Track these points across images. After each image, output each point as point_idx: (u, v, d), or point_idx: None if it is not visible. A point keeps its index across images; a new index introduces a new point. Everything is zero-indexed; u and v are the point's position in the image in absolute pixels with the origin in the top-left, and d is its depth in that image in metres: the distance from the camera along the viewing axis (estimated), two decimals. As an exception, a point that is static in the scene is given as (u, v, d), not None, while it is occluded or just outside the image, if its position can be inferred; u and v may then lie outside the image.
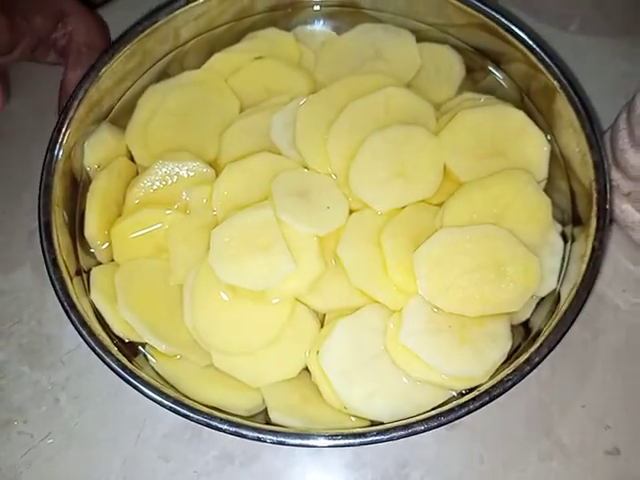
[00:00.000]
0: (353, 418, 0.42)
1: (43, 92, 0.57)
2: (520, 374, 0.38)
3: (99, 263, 0.47)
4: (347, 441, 0.37)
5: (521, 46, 0.48)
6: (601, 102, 0.56)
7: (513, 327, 0.44)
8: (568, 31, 0.62)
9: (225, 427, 0.37)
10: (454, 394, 0.42)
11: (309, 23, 0.55)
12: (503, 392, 0.38)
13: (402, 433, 0.37)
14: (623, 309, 0.51)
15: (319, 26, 0.55)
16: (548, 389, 0.49)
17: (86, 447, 0.48)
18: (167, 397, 0.38)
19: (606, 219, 0.42)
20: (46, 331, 0.51)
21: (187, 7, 0.49)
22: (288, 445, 0.37)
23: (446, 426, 0.38)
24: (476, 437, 0.48)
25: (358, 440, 0.37)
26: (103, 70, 0.47)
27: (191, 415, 0.38)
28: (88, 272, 0.46)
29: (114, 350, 0.40)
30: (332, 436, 0.37)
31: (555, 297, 0.44)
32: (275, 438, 0.37)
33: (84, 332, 0.40)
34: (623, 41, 0.61)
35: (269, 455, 0.47)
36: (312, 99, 0.49)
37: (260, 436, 0.37)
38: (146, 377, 0.39)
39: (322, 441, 0.37)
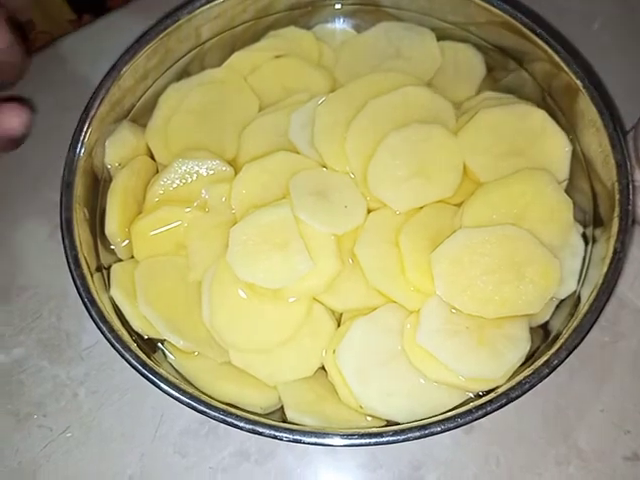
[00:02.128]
0: (369, 418, 0.42)
1: (66, 88, 0.58)
2: (538, 377, 0.38)
3: (119, 260, 0.47)
4: (363, 440, 0.37)
5: (543, 45, 0.47)
6: (624, 101, 0.55)
7: (532, 329, 0.43)
8: (591, 29, 0.61)
9: (242, 424, 0.37)
10: (471, 396, 0.42)
11: (329, 21, 0.55)
12: (521, 394, 0.38)
13: (418, 434, 0.37)
14: (645, 312, 0.51)
15: (339, 24, 0.55)
16: (566, 393, 0.48)
17: (104, 441, 0.48)
18: (184, 393, 0.38)
19: (628, 220, 0.41)
20: (66, 327, 0.52)
21: (208, 6, 0.49)
22: (304, 443, 0.37)
23: (463, 428, 0.38)
24: (493, 439, 0.47)
25: (374, 440, 0.37)
26: (124, 69, 0.47)
27: (208, 412, 0.38)
28: (108, 269, 0.46)
29: (133, 346, 0.40)
30: (348, 435, 0.37)
31: (575, 299, 0.44)
32: (291, 436, 0.37)
33: (104, 328, 0.40)
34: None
35: (284, 453, 0.47)
36: (331, 98, 0.49)
37: (276, 434, 0.37)
38: (164, 373, 0.39)
39: (338, 440, 0.37)
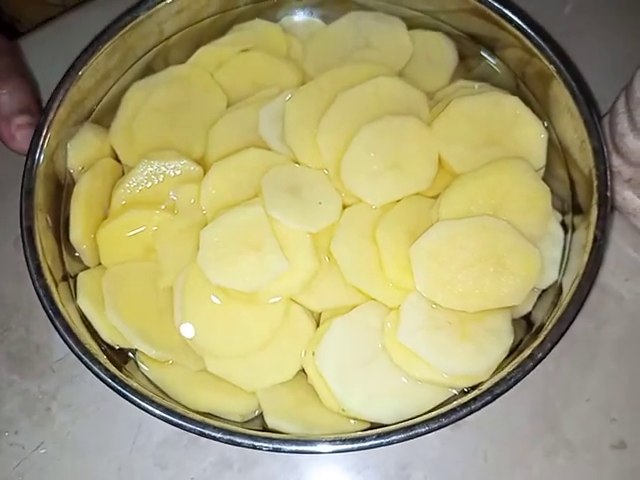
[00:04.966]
0: (352, 420, 0.41)
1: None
2: (523, 371, 0.37)
3: (86, 268, 0.45)
4: (345, 446, 0.36)
5: (515, 30, 0.46)
6: (598, 86, 0.54)
7: (514, 321, 0.43)
8: (563, 13, 0.61)
9: (219, 435, 0.36)
10: (456, 392, 0.41)
11: (296, 13, 0.53)
12: (506, 390, 0.37)
13: (403, 436, 0.36)
14: (627, 298, 0.50)
15: (306, 16, 0.53)
16: (552, 383, 0.48)
17: (80, 456, 0.47)
18: (158, 406, 0.37)
19: (607, 207, 0.41)
20: (35, 339, 0.50)
21: (169, 0, 0.47)
22: (285, 452, 0.36)
23: (448, 424, 0.37)
24: (479, 434, 0.46)
25: (357, 445, 0.36)
26: (84, 69, 0.45)
27: (183, 424, 0.36)
28: (75, 277, 0.44)
29: (102, 358, 0.38)
30: (330, 441, 0.36)
31: (557, 289, 0.43)
32: (271, 445, 0.36)
33: (70, 340, 0.38)
34: (620, 21, 0.59)
35: (268, 460, 0.46)
36: (301, 91, 0.47)
37: (256, 444, 0.35)
38: (136, 386, 0.38)
39: (320, 447, 0.36)
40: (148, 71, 0.50)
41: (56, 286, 0.41)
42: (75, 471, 0.47)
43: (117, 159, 0.48)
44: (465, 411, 0.36)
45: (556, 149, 0.47)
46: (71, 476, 0.47)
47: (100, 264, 0.45)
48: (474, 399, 0.37)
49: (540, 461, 0.46)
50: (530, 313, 0.44)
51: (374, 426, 0.40)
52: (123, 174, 0.48)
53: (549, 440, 0.46)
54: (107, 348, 0.42)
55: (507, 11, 0.46)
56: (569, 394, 0.48)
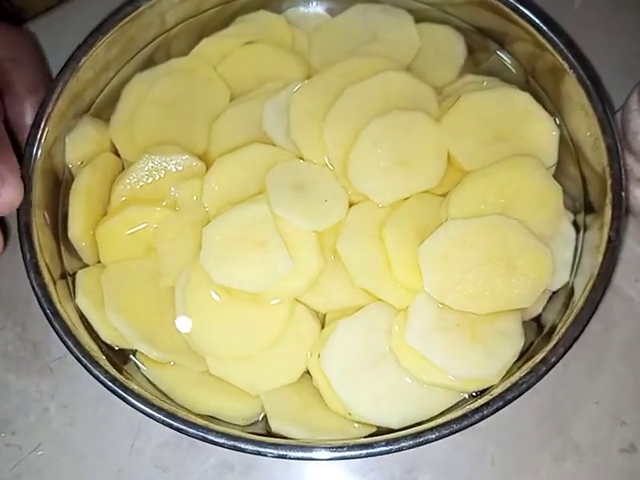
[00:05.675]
0: (358, 424, 0.40)
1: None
2: (536, 376, 0.36)
3: (85, 265, 0.44)
4: (353, 452, 0.35)
5: (526, 24, 0.45)
6: (610, 81, 0.53)
7: (524, 323, 0.42)
8: (572, 8, 0.59)
9: (222, 441, 0.35)
10: (465, 396, 0.40)
11: (301, 5, 0.52)
12: (518, 396, 0.36)
13: (412, 442, 0.35)
14: (636, 300, 0.49)
15: (312, 8, 0.52)
16: (560, 386, 0.47)
17: (78, 458, 0.46)
18: (159, 410, 0.36)
19: (622, 207, 0.39)
20: (32, 337, 0.48)
21: (172, -10, 0.46)
22: (290, 459, 0.35)
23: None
24: (486, 438, 0.46)
25: (365, 451, 0.35)
26: (83, 60, 0.44)
27: (185, 429, 0.35)
28: (74, 275, 0.43)
29: (102, 360, 0.37)
30: (337, 448, 0.35)
31: (568, 290, 0.42)
32: (276, 451, 0.35)
33: (69, 341, 0.37)
34: (631, 17, 0.58)
35: (270, 462, 0.45)
36: (306, 85, 0.46)
37: (260, 450, 0.34)
38: (136, 389, 0.36)
39: (326, 453, 0.35)
40: (149, 63, 0.49)
41: (54, 284, 0.40)
42: (73, 473, 0.46)
43: (117, 154, 0.47)
44: (477, 417, 0.35)
45: (568, 146, 0.46)
46: (69, 478, 0.46)
47: (99, 262, 0.44)
48: (486, 404, 0.36)
49: (548, 465, 0.45)
50: (540, 315, 0.43)
51: (381, 430, 0.39)
52: (123, 169, 0.47)
53: (557, 444, 0.46)
54: (106, 349, 0.41)
55: (519, 4, 0.45)
56: (578, 397, 0.47)
